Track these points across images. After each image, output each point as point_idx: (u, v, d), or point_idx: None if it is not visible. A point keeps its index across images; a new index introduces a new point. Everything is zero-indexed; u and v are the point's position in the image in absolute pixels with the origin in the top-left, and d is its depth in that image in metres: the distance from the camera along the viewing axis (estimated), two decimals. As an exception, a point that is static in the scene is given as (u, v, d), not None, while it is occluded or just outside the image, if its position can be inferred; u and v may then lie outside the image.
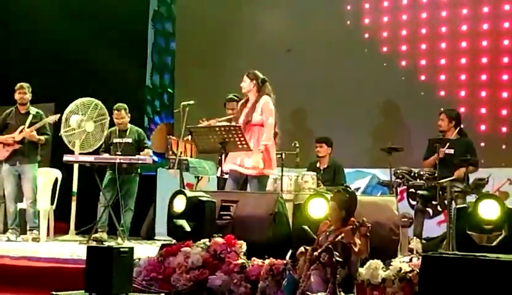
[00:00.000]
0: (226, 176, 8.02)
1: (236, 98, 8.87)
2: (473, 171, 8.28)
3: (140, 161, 9.01)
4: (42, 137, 9.20)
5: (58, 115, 9.49)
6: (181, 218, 6.50)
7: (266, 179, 7.88)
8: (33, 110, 9.33)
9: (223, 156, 7.71)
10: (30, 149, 9.20)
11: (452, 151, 8.31)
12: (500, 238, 5.85)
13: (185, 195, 6.57)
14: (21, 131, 9.13)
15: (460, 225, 6.11)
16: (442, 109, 8.63)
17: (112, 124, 9.74)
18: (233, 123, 7.93)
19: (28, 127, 9.14)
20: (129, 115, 9.50)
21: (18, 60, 11.37)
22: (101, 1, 11.63)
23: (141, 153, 9.17)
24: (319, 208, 6.09)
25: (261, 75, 7.90)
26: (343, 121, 10.23)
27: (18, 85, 9.31)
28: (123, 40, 11.33)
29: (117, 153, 9.23)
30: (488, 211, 5.96)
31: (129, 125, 9.53)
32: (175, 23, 11.80)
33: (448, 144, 8.33)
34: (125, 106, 9.47)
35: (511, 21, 9.70)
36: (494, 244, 5.78)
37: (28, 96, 9.30)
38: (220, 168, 8.09)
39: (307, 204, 6.15)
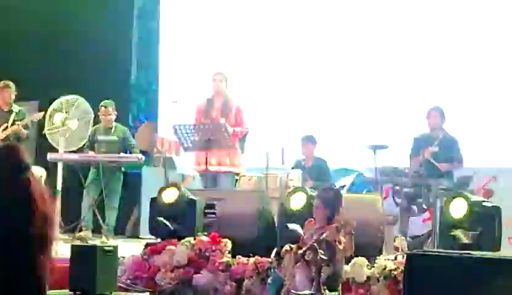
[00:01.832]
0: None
1: None
2: (458, 167, 8.31)
3: (124, 159, 8.99)
4: (25, 131, 9.11)
5: (42, 113, 9.42)
6: (168, 210, 6.51)
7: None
8: (16, 108, 9.25)
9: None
10: (13, 147, 9.12)
11: (437, 149, 8.33)
12: (476, 234, 5.91)
13: (179, 188, 6.58)
14: (4, 129, 9.06)
15: (441, 223, 6.17)
16: (434, 106, 8.62)
17: (96, 122, 9.70)
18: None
19: (11, 126, 9.06)
20: (116, 112, 9.48)
21: (1, 57, 11.28)
22: (86, -2, 11.59)
23: (131, 155, 9.14)
24: (299, 202, 6.19)
25: None
26: (328, 119, 10.23)
27: (2, 83, 9.23)
28: (107, 38, 11.27)
29: (101, 150, 9.19)
30: (457, 210, 6.05)
31: (114, 123, 9.50)
32: (159, 20, 11.76)
33: (434, 141, 8.36)
34: (113, 103, 9.45)
35: None
36: (471, 241, 5.83)
37: (13, 95, 9.23)
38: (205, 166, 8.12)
39: (288, 200, 6.26)
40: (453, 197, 6.40)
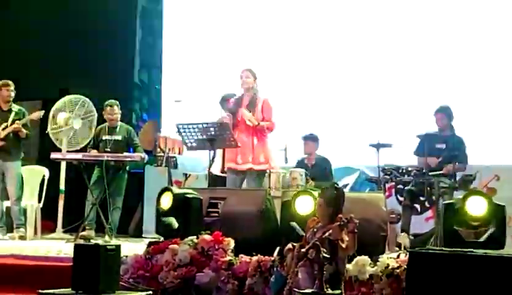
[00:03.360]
0: (221, 174, 8.08)
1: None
2: (461, 168, 8.27)
3: (128, 159, 8.99)
4: (24, 131, 9.10)
5: (43, 111, 9.41)
6: (168, 215, 6.50)
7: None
8: (15, 107, 9.22)
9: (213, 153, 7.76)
10: (13, 146, 9.10)
11: (443, 146, 8.33)
12: (488, 233, 5.86)
13: (171, 191, 6.57)
14: (4, 129, 9.04)
15: (447, 221, 6.12)
16: (439, 107, 8.59)
17: (99, 122, 9.70)
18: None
19: (11, 125, 9.05)
20: (120, 112, 9.49)
21: (4, 57, 11.29)
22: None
23: (134, 154, 9.14)
24: (306, 205, 6.11)
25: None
26: (331, 117, 10.23)
27: (1, 82, 9.19)
28: (111, 37, 11.29)
29: (106, 150, 9.19)
30: (476, 207, 5.97)
31: (119, 122, 9.50)
32: (163, 19, 11.78)
33: (441, 140, 8.36)
34: (117, 102, 9.45)
35: None
36: (482, 239, 5.78)
37: (13, 94, 9.22)
38: (213, 165, 8.09)
39: (294, 201, 6.17)
40: (471, 194, 6.30)
